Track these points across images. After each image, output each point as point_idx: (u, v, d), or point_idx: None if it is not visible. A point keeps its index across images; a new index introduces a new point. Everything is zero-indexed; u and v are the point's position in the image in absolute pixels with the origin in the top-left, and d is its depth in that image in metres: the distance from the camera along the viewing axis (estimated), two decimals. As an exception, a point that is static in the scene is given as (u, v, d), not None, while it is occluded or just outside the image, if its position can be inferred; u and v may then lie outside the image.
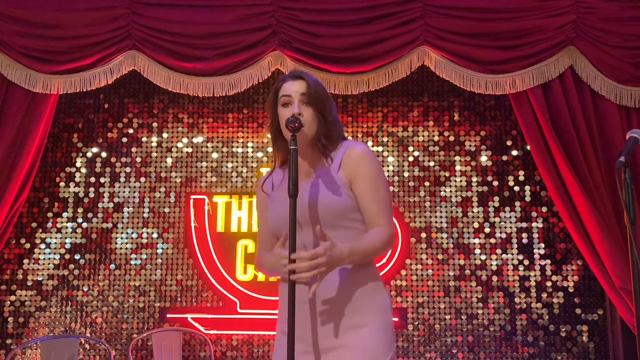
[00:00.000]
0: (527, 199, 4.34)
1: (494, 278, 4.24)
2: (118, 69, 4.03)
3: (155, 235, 4.34)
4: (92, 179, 4.42)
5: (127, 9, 3.99)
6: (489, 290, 4.22)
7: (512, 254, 4.27)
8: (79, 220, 4.36)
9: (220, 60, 3.99)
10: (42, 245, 4.33)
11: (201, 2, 4.05)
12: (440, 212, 4.34)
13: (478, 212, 4.33)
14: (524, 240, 4.28)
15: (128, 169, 4.44)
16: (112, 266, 4.30)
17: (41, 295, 4.26)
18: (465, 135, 4.44)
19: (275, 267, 1.86)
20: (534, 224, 4.30)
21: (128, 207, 4.38)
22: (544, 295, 4.20)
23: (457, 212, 4.34)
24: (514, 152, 4.41)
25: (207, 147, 4.48)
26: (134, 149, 4.47)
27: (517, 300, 4.20)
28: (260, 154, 4.45)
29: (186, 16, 4.00)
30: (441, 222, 4.33)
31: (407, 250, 4.29)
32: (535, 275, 4.23)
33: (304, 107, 1.91)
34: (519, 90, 3.96)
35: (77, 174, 4.43)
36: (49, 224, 4.36)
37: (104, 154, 4.47)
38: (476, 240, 4.29)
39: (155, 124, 4.51)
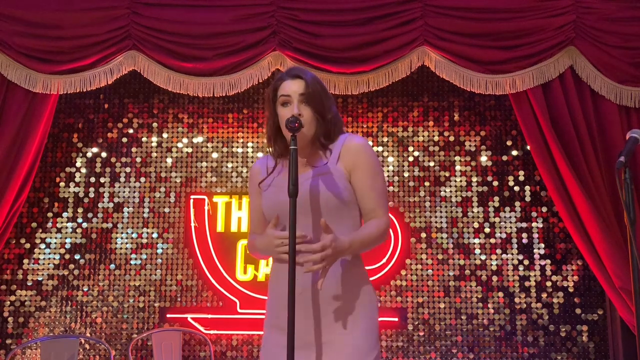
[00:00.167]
0: (527, 199, 4.34)
1: (494, 278, 4.24)
2: (118, 69, 4.03)
3: (155, 235, 4.34)
4: (92, 179, 4.42)
5: (127, 9, 3.99)
6: (489, 290, 4.23)
7: (512, 254, 4.27)
8: (79, 220, 4.36)
9: (220, 60, 3.99)
10: (42, 245, 4.33)
11: (201, 2, 4.05)
12: (440, 212, 4.34)
13: (478, 212, 4.33)
14: (524, 240, 4.28)
15: (128, 169, 4.44)
16: (112, 266, 4.30)
17: (41, 295, 4.26)
18: (465, 135, 4.45)
19: (269, 247, 1.89)
20: (534, 224, 4.30)
21: (128, 207, 4.38)
22: (544, 295, 4.20)
23: (457, 212, 4.34)
24: (514, 152, 4.41)
25: (207, 147, 4.48)
26: (134, 149, 4.47)
27: (517, 300, 4.20)
28: (260, 154, 4.45)
29: (186, 16, 4.00)
30: (441, 222, 4.33)
31: (407, 250, 4.29)
32: (535, 275, 4.23)
33: (302, 107, 1.93)
34: (519, 90, 3.96)
35: (77, 174, 4.43)
36: (49, 224, 4.36)
37: (104, 154, 4.47)
38: (476, 240, 4.29)
39: (155, 124, 4.51)
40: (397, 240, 4.28)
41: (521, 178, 4.37)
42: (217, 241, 4.31)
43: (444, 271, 4.26)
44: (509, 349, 4.14)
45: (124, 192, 4.41)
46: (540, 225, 4.30)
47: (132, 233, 4.35)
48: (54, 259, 4.31)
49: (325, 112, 1.96)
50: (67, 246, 4.33)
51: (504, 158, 4.41)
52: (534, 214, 4.31)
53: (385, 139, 4.45)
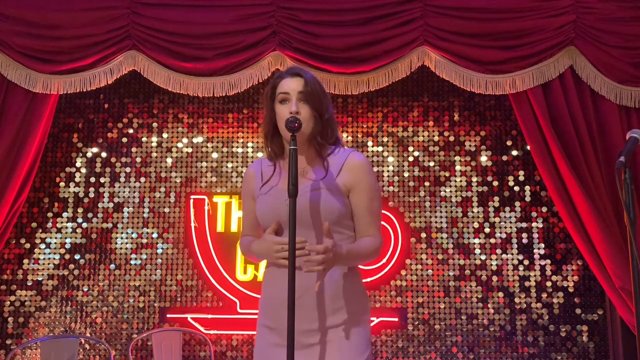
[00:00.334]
0: (527, 199, 4.34)
1: (494, 278, 4.24)
2: (118, 69, 4.03)
3: (155, 235, 4.34)
4: (92, 179, 4.42)
5: (127, 9, 3.99)
6: (489, 290, 4.23)
7: (512, 254, 4.27)
8: (79, 220, 4.36)
9: (220, 60, 3.99)
10: (42, 245, 4.33)
11: (201, 2, 4.05)
12: (440, 212, 4.34)
13: (478, 212, 4.33)
14: (524, 240, 4.28)
15: (128, 169, 4.44)
16: (112, 266, 4.30)
17: (41, 295, 4.26)
18: (465, 135, 4.45)
19: (268, 253, 1.91)
20: (534, 224, 4.30)
21: (128, 207, 4.38)
22: (544, 295, 4.20)
23: (457, 212, 4.34)
24: (514, 152, 4.41)
25: (207, 147, 4.48)
26: (134, 149, 4.47)
27: (517, 300, 4.20)
28: (260, 154, 4.45)
29: (186, 16, 4.00)
30: (441, 222, 4.33)
31: (407, 250, 4.29)
32: (535, 275, 4.23)
33: (301, 105, 1.95)
34: (519, 90, 3.96)
35: (77, 174, 4.43)
36: (49, 224, 4.36)
37: (104, 154, 4.47)
38: (476, 240, 4.29)
39: (155, 124, 4.51)
40: (397, 240, 4.28)
41: (521, 178, 4.37)
42: (217, 241, 4.31)
43: (444, 271, 4.26)
44: (509, 349, 4.14)
45: (124, 192, 4.41)
46: (540, 225, 4.30)
47: (132, 233, 4.35)
48: (54, 259, 4.31)
49: (323, 111, 1.98)
50: (67, 246, 4.33)
51: (504, 158, 4.41)
52: (534, 214, 4.31)
53: (385, 139, 4.45)
